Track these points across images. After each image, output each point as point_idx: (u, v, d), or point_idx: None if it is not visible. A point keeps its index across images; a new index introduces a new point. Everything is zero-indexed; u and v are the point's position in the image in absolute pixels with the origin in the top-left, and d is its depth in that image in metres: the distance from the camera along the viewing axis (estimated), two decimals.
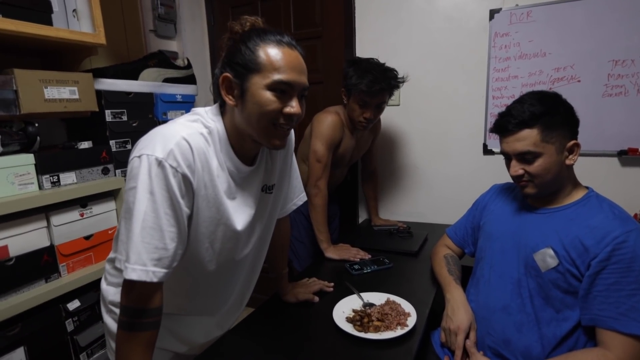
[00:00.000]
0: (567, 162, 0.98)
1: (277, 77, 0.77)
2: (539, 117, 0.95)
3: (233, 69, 0.79)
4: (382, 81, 1.48)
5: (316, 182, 1.57)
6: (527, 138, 0.96)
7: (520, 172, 1.00)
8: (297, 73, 0.79)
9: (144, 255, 0.73)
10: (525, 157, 0.98)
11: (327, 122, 1.59)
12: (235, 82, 0.79)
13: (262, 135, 0.82)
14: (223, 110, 0.87)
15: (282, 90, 0.78)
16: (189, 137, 0.78)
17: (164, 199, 0.75)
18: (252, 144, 0.86)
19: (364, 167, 2.02)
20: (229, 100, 0.81)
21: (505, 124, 1.00)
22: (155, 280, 0.74)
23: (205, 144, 0.82)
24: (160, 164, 0.74)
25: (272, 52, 0.77)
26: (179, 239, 0.78)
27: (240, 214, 0.90)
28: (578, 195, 1.02)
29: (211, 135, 0.83)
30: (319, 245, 1.59)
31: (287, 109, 0.80)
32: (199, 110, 0.87)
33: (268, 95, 0.78)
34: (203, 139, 0.81)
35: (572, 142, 0.98)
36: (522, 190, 1.04)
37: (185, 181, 0.78)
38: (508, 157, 1.03)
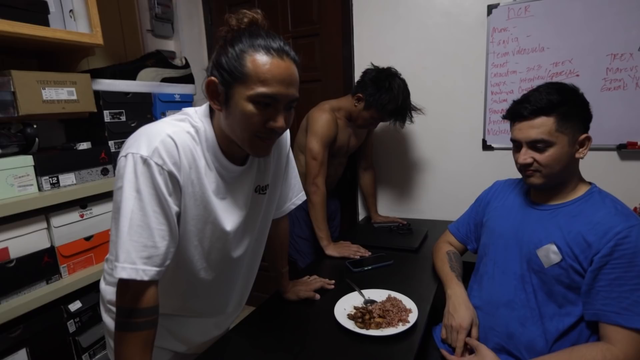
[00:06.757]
0: (577, 155, 0.98)
1: (261, 90, 0.73)
2: (557, 106, 0.94)
3: (220, 74, 0.76)
4: (404, 111, 1.62)
5: (314, 180, 1.58)
6: (542, 126, 0.95)
7: (529, 160, 0.98)
8: (285, 86, 0.75)
9: (132, 253, 0.73)
10: (537, 146, 0.97)
11: (322, 120, 1.61)
12: (221, 88, 0.77)
13: (246, 144, 0.80)
14: (212, 111, 0.86)
15: (266, 103, 0.75)
16: (174, 134, 0.78)
17: (151, 197, 0.74)
18: (240, 147, 0.84)
19: (361, 163, 2.03)
20: (214, 105, 0.80)
21: (521, 109, 0.98)
22: (146, 278, 0.74)
23: (192, 142, 0.81)
24: (145, 162, 0.73)
25: (259, 62, 0.73)
26: (170, 236, 0.78)
27: (230, 214, 0.90)
28: (581, 190, 1.01)
29: (198, 135, 0.82)
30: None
31: (270, 124, 0.77)
32: (188, 110, 0.86)
33: (250, 107, 0.75)
34: (190, 137, 0.81)
35: (584, 136, 0.97)
36: (527, 180, 1.02)
37: (172, 178, 0.77)
38: (518, 145, 1.02)
